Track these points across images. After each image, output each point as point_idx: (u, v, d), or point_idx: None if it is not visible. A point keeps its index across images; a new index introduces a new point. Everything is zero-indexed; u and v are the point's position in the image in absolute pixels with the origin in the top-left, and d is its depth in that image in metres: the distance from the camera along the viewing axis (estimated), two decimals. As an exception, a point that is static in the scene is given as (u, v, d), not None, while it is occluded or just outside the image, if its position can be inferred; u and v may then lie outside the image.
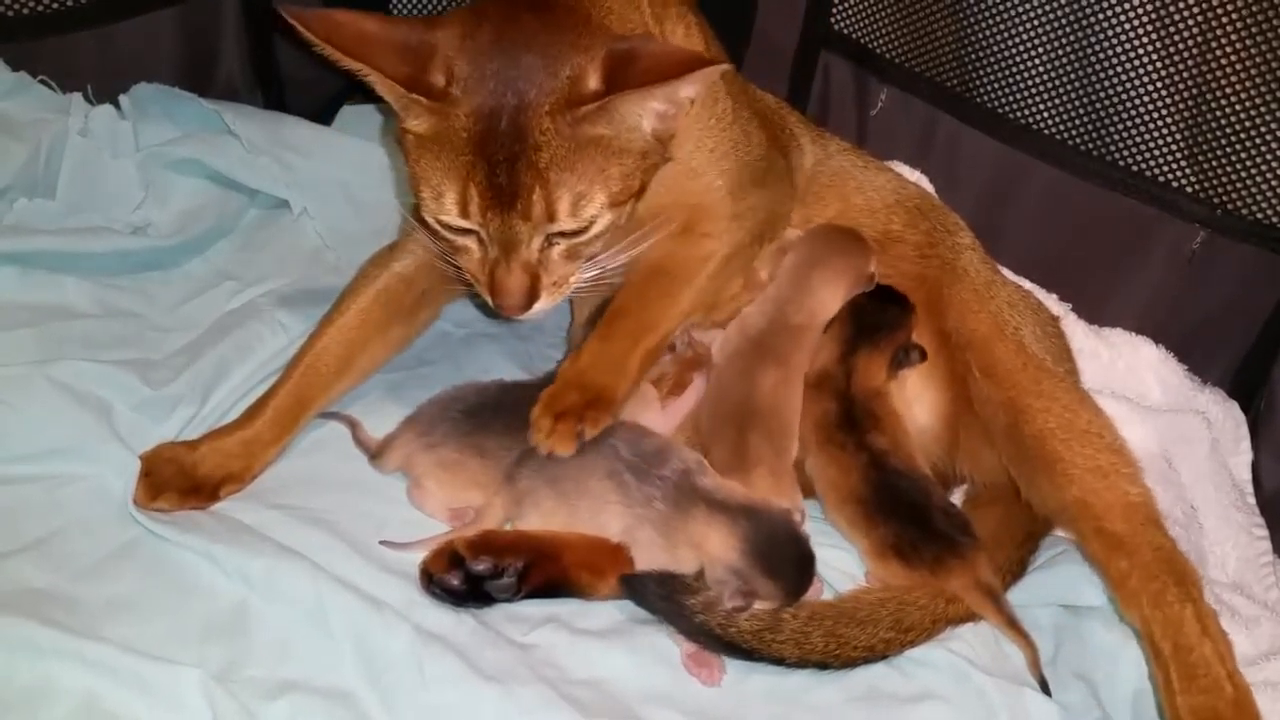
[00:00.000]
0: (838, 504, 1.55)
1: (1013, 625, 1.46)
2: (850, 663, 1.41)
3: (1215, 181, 1.86)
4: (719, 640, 1.38)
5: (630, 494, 1.43)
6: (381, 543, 1.46)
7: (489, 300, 1.41)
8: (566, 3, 1.40)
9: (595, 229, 1.38)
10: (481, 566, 1.39)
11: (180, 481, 1.46)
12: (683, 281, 1.57)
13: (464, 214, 1.35)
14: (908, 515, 1.49)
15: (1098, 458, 1.51)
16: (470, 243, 1.40)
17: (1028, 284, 2.06)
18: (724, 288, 1.64)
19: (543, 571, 1.41)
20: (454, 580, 1.38)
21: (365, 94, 2.27)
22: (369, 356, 1.64)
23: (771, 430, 1.54)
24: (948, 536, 1.48)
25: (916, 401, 1.71)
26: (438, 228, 1.40)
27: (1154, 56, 1.82)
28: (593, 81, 1.32)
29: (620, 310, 1.55)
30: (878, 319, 1.65)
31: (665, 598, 1.39)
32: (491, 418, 1.53)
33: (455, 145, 1.32)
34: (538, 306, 1.41)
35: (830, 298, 1.65)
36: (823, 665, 1.40)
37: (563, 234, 1.37)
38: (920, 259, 1.77)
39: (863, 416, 1.58)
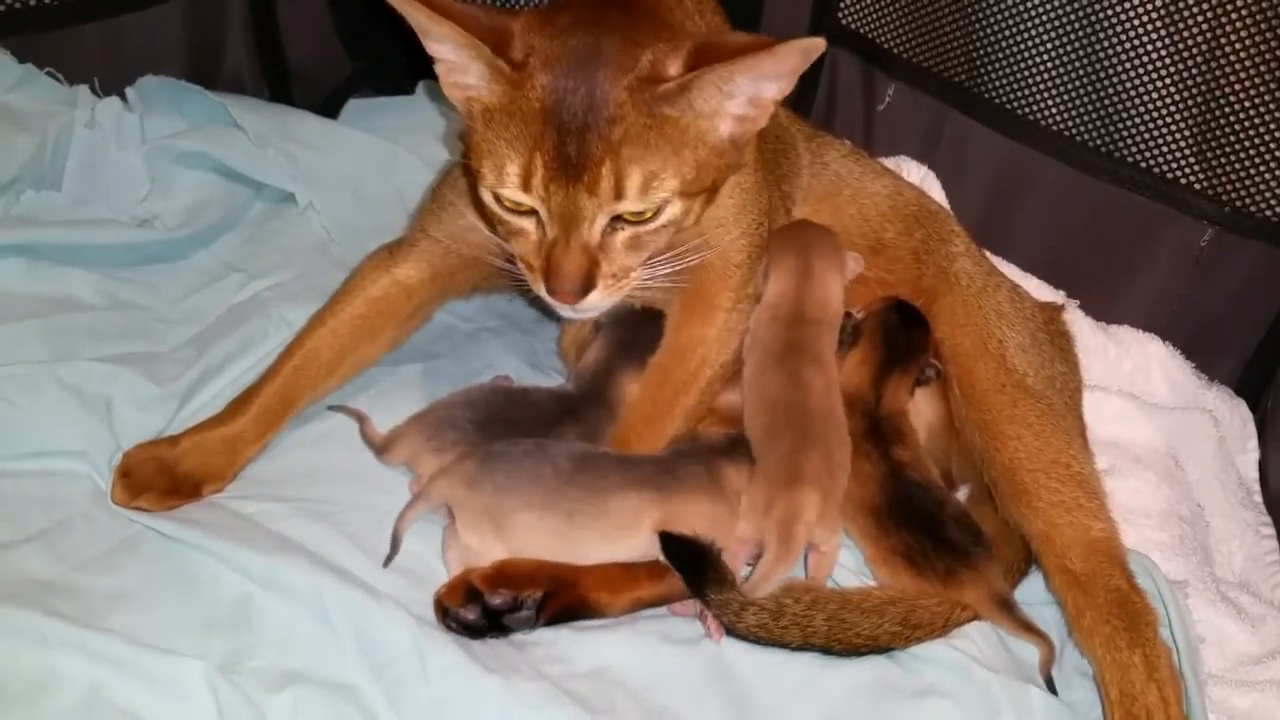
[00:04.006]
0: (851, 513, 1.54)
1: (1028, 629, 1.46)
2: (854, 649, 1.41)
3: (1224, 179, 1.85)
4: (727, 633, 1.40)
5: (658, 485, 1.42)
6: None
7: (542, 290, 1.36)
8: (646, 5, 1.39)
9: (663, 217, 1.33)
10: (499, 600, 1.36)
11: (161, 480, 1.44)
12: (686, 389, 1.57)
13: (525, 187, 1.30)
14: (920, 525, 1.49)
15: (1062, 491, 1.51)
16: (527, 224, 1.35)
17: (1035, 281, 2.06)
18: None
19: (561, 599, 1.39)
20: (470, 615, 1.35)
21: (372, 87, 2.30)
22: (358, 359, 1.62)
23: (831, 443, 1.51)
24: (960, 546, 1.47)
25: (923, 403, 1.71)
26: (495, 207, 1.36)
27: (1163, 52, 1.81)
28: (674, 68, 1.29)
29: (625, 436, 1.56)
30: (907, 343, 1.65)
31: (694, 573, 1.39)
32: (503, 431, 1.51)
33: (525, 115, 1.28)
34: (593, 297, 1.34)
35: (835, 285, 1.64)
36: (826, 649, 1.40)
37: (627, 219, 1.32)
38: (915, 267, 1.76)
39: (889, 430, 1.59)
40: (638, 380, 1.60)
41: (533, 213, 1.33)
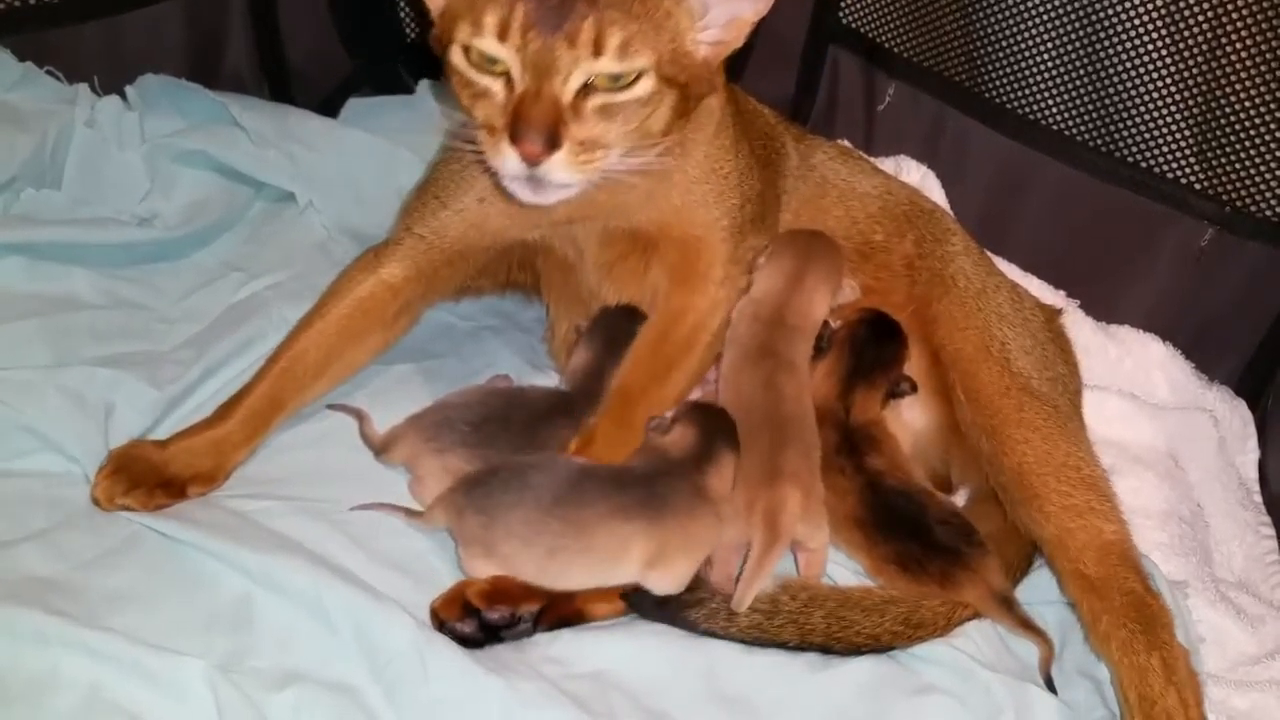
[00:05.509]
0: (835, 527, 1.52)
1: (1027, 627, 1.46)
2: (855, 648, 1.40)
3: (1224, 179, 1.86)
4: (722, 639, 1.39)
5: (646, 511, 1.39)
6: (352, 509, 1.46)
7: (505, 150, 1.31)
8: None
9: (637, 89, 1.33)
10: (497, 616, 1.35)
11: (149, 479, 1.43)
12: (687, 350, 1.60)
13: (502, 36, 1.29)
14: (908, 532, 1.49)
15: (1073, 495, 1.49)
16: (496, 84, 1.33)
17: (1035, 281, 2.06)
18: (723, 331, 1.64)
19: (557, 610, 1.39)
20: (467, 629, 1.34)
21: (372, 86, 2.30)
22: (346, 362, 1.61)
23: (808, 443, 1.51)
24: (951, 549, 1.47)
25: (918, 407, 1.70)
26: (464, 66, 1.34)
27: (1164, 53, 1.82)
28: None
29: (630, 390, 1.56)
30: (875, 356, 1.64)
31: (668, 614, 1.40)
32: (498, 431, 1.51)
33: None
34: (557, 160, 1.30)
35: (822, 299, 1.64)
36: (825, 649, 1.40)
37: (600, 86, 1.31)
38: (908, 271, 1.75)
39: (861, 440, 1.58)
40: None
41: (503, 75, 1.33)
